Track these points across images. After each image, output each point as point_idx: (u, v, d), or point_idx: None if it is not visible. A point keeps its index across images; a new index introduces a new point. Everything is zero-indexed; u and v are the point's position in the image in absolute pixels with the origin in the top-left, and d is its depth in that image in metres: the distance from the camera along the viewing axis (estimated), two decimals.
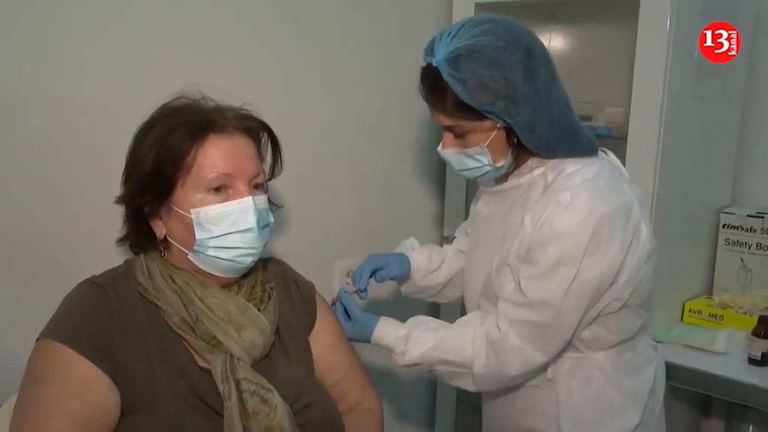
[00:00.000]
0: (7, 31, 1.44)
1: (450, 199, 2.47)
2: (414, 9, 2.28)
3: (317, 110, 2.06)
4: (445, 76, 1.40)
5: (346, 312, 1.63)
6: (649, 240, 1.46)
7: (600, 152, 1.56)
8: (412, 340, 1.55)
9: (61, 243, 1.56)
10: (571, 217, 1.38)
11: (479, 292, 1.60)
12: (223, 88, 1.35)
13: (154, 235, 1.33)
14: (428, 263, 1.81)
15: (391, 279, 1.77)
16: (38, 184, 1.52)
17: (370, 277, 1.73)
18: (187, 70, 1.70)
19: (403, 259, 1.80)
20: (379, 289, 2.03)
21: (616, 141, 2.13)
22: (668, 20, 1.85)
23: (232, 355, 1.28)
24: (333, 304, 1.65)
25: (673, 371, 1.93)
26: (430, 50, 1.45)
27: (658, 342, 2.06)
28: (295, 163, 1.94)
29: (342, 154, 2.17)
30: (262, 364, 1.34)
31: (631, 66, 1.94)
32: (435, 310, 2.40)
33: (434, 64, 1.42)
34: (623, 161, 1.91)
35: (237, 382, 1.25)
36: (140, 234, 1.34)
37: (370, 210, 2.29)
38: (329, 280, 2.13)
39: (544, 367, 1.52)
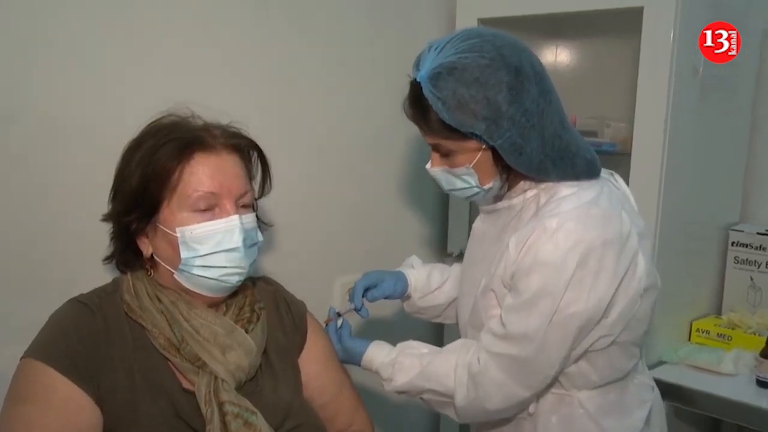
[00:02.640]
0: (7, 38, 1.44)
1: (454, 216, 2.43)
2: (415, 24, 2.26)
3: (316, 124, 2.05)
4: (426, 93, 1.34)
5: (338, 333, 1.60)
6: (646, 274, 1.37)
7: (605, 175, 1.49)
8: (398, 366, 1.50)
9: (50, 259, 1.54)
10: (555, 246, 1.30)
11: (468, 317, 1.54)
12: (214, 106, 1.34)
13: (140, 253, 1.31)
14: (427, 283, 1.74)
15: (386, 298, 1.71)
16: (25, 199, 1.51)
17: (363, 295, 1.68)
18: (180, 79, 1.69)
19: (400, 278, 1.72)
20: (385, 307, 1.98)
21: (620, 157, 2.10)
22: (672, 33, 1.82)
23: (216, 377, 1.25)
24: (326, 324, 1.61)
25: (679, 392, 1.91)
26: (416, 63, 1.41)
27: (664, 362, 2.04)
28: (295, 177, 1.94)
29: (343, 168, 2.15)
30: (248, 385, 1.31)
31: (636, 80, 1.91)
32: (440, 331, 2.38)
33: (418, 79, 1.38)
34: (627, 177, 1.90)
35: (220, 405, 1.22)
36: (127, 252, 1.33)
37: (372, 226, 2.26)
38: (330, 296, 2.09)
39: (528, 401, 1.44)
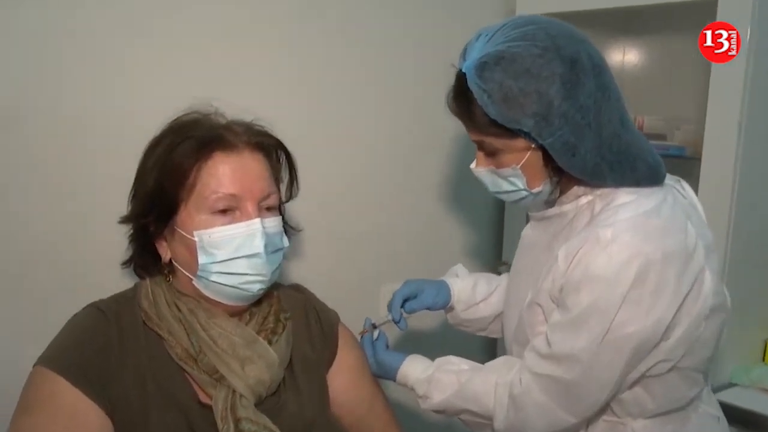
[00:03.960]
0: (14, 38, 1.40)
1: (510, 221, 2.31)
2: (470, 21, 2.11)
3: (360, 120, 1.95)
4: (471, 85, 1.23)
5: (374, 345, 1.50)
6: (713, 293, 1.23)
7: (671, 182, 1.36)
8: (434, 384, 1.40)
9: (76, 260, 1.51)
10: (609, 259, 1.17)
11: (513, 333, 1.42)
12: (239, 104, 1.26)
13: (159, 257, 1.25)
14: (471, 294, 1.61)
15: (428, 309, 1.59)
16: (44, 199, 1.47)
17: (402, 306, 1.57)
18: (198, 77, 1.62)
19: (442, 288, 1.60)
20: (428, 318, 1.87)
21: (689, 161, 1.96)
22: (748, 27, 1.67)
23: (234, 391, 1.18)
24: (361, 336, 1.52)
25: (749, 418, 1.76)
26: (463, 53, 1.30)
27: (734, 385, 1.88)
28: (332, 179, 1.86)
29: (385, 168, 2.05)
30: (268, 401, 1.24)
31: (708, 79, 1.76)
32: (492, 346, 2.25)
33: (463, 70, 1.27)
34: (696, 184, 1.76)
35: (237, 422, 1.15)
36: (145, 256, 1.27)
37: (418, 231, 2.16)
38: (375, 306, 1.99)
39: (575, 429, 1.31)
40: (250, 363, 1.20)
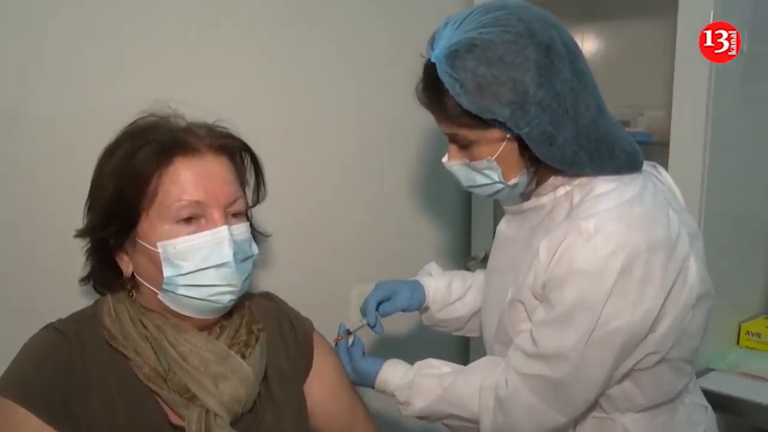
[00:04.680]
0: (10, 37, 1.35)
1: (478, 215, 2.27)
2: (431, 9, 2.08)
3: (327, 121, 1.89)
4: (442, 74, 1.17)
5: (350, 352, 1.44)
6: (699, 281, 1.20)
7: (648, 168, 1.32)
8: (416, 389, 1.34)
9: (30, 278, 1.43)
10: (593, 252, 1.13)
11: (494, 332, 1.37)
12: (199, 104, 1.19)
13: (121, 272, 1.17)
14: (446, 293, 1.55)
15: (403, 311, 1.53)
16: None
17: (376, 309, 1.51)
18: (180, 78, 1.57)
19: (416, 288, 1.54)
20: (403, 320, 1.82)
21: (656, 147, 1.94)
22: (712, 11, 1.65)
23: (208, 411, 1.11)
24: (336, 343, 1.46)
25: (728, 403, 1.74)
26: (431, 41, 1.24)
27: (711, 370, 1.87)
28: (298, 180, 1.81)
29: (351, 168, 1.99)
30: (245, 418, 1.17)
31: (673, 64, 1.74)
32: (467, 346, 2.21)
33: (432, 59, 1.21)
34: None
35: None
36: (105, 271, 1.19)
37: (387, 229, 2.10)
38: (346, 309, 1.92)
39: (565, 428, 1.27)
40: (224, 380, 1.13)
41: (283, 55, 1.78)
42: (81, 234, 1.17)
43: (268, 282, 1.61)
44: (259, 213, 1.33)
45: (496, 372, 1.28)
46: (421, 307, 1.56)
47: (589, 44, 2.43)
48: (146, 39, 1.52)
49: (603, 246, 1.13)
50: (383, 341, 1.84)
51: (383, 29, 2.01)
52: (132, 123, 1.17)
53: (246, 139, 1.23)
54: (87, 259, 1.19)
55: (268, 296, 1.39)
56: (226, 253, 1.12)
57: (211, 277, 1.12)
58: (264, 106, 1.74)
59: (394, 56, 1.98)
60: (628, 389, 1.24)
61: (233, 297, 1.15)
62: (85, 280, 1.21)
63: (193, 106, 1.18)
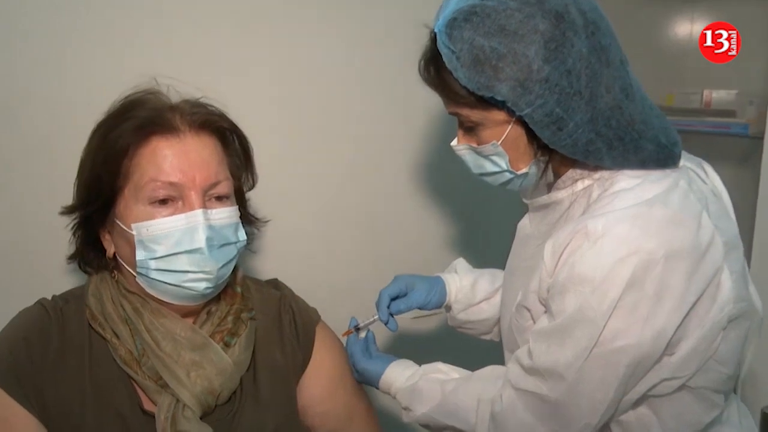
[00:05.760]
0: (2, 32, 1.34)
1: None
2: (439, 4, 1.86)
3: (342, 112, 1.72)
4: (440, 46, 1.05)
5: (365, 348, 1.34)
6: (734, 298, 1.02)
7: (692, 165, 1.13)
8: (417, 395, 1.21)
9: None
10: (598, 257, 0.98)
11: (506, 338, 1.23)
12: (193, 82, 1.12)
13: (105, 251, 1.14)
14: (471, 293, 1.39)
15: (419, 309, 1.40)
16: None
17: (388, 305, 1.38)
18: (184, 69, 1.45)
19: (436, 285, 1.39)
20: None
21: (753, 141, 1.71)
22: None
23: (178, 401, 1.06)
24: (345, 337, 1.36)
25: None
26: (439, 11, 1.11)
27: None
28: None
29: (377, 159, 1.79)
30: (220, 410, 1.12)
31: None
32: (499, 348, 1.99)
33: (435, 30, 1.08)
34: (758, 165, 1.52)
35: None
36: (89, 250, 1.16)
37: (420, 220, 1.87)
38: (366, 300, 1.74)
39: None
40: (198, 369, 1.08)
41: (294, 48, 1.64)
42: (66, 211, 1.15)
43: (279, 270, 1.49)
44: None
45: (497, 384, 1.14)
46: (441, 306, 1.42)
47: (698, 27, 2.20)
48: (139, 33, 1.46)
49: (610, 251, 0.97)
50: (403, 339, 1.70)
51: (387, 17, 1.78)
52: (125, 97, 1.13)
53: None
54: (72, 236, 1.17)
55: (275, 284, 1.33)
56: (199, 239, 1.06)
57: (183, 262, 1.06)
58: (265, 98, 1.60)
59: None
60: (645, 416, 1.07)
61: (209, 285, 1.09)
62: (71, 258, 1.18)
63: (183, 83, 1.12)
